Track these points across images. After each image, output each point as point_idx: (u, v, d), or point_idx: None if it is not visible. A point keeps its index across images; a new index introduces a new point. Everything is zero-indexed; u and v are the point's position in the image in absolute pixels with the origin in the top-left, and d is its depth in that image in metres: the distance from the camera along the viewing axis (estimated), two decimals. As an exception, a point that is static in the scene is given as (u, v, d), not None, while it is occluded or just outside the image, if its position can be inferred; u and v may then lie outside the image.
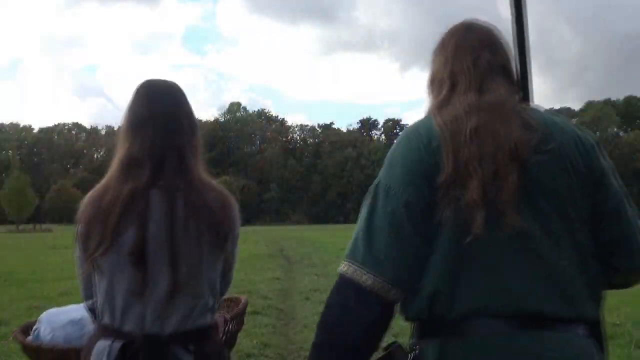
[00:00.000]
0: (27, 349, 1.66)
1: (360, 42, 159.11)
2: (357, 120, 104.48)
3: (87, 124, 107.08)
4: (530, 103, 1.28)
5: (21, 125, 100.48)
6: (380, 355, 1.17)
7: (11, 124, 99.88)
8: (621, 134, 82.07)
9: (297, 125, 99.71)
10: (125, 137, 1.50)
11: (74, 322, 1.70)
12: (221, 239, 1.47)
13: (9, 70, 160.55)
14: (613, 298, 6.86)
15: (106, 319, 1.45)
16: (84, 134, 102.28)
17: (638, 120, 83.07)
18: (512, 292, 1.08)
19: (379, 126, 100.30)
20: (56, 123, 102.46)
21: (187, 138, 1.48)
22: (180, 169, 1.45)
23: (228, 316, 1.72)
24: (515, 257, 1.09)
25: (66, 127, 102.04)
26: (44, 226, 54.48)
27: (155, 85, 1.54)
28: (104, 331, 1.45)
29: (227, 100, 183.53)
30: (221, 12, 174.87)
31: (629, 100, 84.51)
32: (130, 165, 1.46)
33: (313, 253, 15.86)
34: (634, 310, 5.84)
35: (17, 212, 56.24)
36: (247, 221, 65.25)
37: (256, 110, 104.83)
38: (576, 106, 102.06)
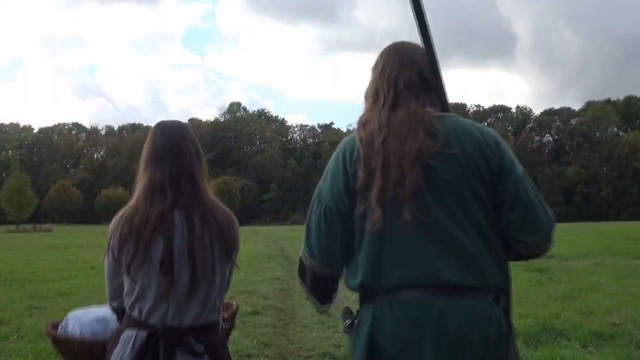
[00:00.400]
0: (58, 342, 1.87)
1: (360, 42, 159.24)
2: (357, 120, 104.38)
3: (87, 124, 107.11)
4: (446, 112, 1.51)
5: (21, 125, 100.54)
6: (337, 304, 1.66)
7: (11, 124, 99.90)
8: (621, 134, 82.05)
9: (297, 125, 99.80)
10: (147, 167, 1.84)
11: (99, 320, 1.91)
12: (229, 249, 1.80)
13: (9, 70, 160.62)
14: (613, 298, 6.88)
15: (135, 314, 1.73)
16: (84, 134, 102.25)
17: (638, 120, 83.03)
18: (429, 267, 1.39)
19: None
20: (56, 123, 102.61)
21: (196, 167, 1.82)
22: (194, 193, 1.78)
23: (225, 315, 2.00)
24: (431, 239, 1.39)
25: (66, 127, 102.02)
26: (44, 226, 54.39)
27: (168, 125, 1.89)
28: (131, 323, 1.73)
29: (227, 100, 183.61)
30: (221, 12, 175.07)
31: (629, 100, 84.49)
32: (154, 191, 1.76)
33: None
34: (634, 310, 5.84)
35: (17, 212, 56.17)
36: (247, 221, 65.32)
37: (256, 110, 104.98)
38: (576, 106, 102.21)
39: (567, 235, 21.16)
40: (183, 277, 1.72)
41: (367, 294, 1.48)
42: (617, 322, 5.31)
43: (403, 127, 1.43)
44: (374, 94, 1.53)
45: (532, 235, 1.47)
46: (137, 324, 1.73)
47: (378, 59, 1.59)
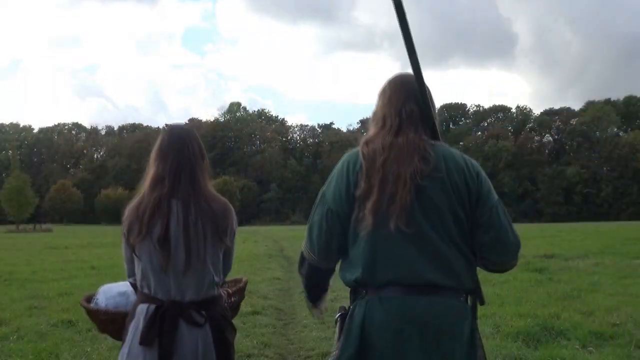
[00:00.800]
0: (90, 312, 2.26)
1: (360, 41, 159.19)
2: (357, 120, 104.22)
3: (87, 124, 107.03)
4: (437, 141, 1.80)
5: (21, 125, 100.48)
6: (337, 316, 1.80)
7: (11, 124, 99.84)
8: (621, 134, 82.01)
9: (297, 125, 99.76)
10: (153, 162, 2.11)
11: (121, 294, 2.26)
12: (221, 233, 2.07)
13: (9, 70, 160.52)
14: (613, 298, 6.88)
15: (145, 290, 2.06)
16: (84, 134, 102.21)
17: (638, 120, 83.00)
18: (414, 269, 1.65)
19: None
20: (56, 123, 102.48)
21: (197, 163, 2.11)
22: (192, 185, 2.07)
23: (230, 290, 2.30)
24: (417, 246, 1.65)
25: (66, 127, 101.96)
26: (44, 226, 54.38)
27: (175, 127, 2.22)
28: (143, 298, 2.06)
29: (227, 100, 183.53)
30: (221, 11, 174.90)
31: (629, 100, 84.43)
32: (156, 181, 2.06)
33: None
34: (634, 310, 5.84)
35: (17, 212, 56.16)
36: (247, 221, 65.29)
37: (256, 110, 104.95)
38: (576, 106, 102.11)
39: (567, 235, 21.17)
40: (179, 255, 2.01)
41: (360, 289, 1.73)
42: (617, 322, 5.31)
43: (402, 153, 1.70)
44: (382, 120, 1.79)
45: (502, 255, 1.76)
46: (148, 298, 2.05)
47: (386, 87, 1.84)
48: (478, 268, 1.79)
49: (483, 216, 1.70)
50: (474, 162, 1.78)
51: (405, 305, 1.65)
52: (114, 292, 2.28)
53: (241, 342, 5.04)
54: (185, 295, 2.03)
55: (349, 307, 1.75)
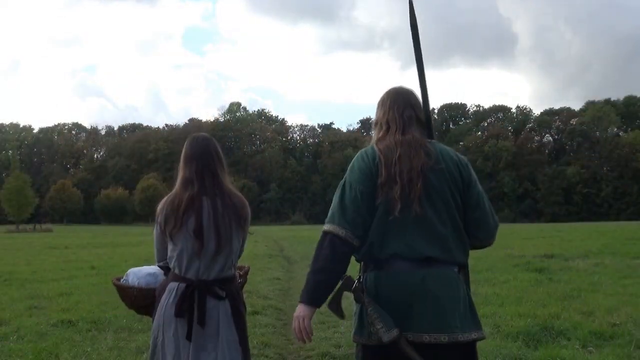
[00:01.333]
0: (122, 289, 2.62)
1: (360, 41, 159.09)
2: (357, 120, 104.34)
3: (87, 124, 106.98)
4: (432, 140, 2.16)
5: (21, 125, 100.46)
6: (339, 284, 2.04)
7: (11, 124, 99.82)
8: (621, 134, 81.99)
9: (297, 125, 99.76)
10: (182, 167, 2.55)
11: (150, 274, 2.64)
12: (242, 223, 2.55)
13: (9, 70, 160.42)
14: (613, 298, 6.87)
15: (176, 270, 2.47)
16: (84, 134, 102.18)
17: (638, 120, 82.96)
18: (415, 245, 1.99)
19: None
20: (56, 123, 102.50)
21: (217, 166, 2.58)
22: (215, 184, 2.53)
23: (241, 273, 2.77)
24: (418, 227, 2.00)
25: (66, 127, 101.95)
26: (44, 226, 54.38)
27: (197, 137, 2.68)
28: (174, 277, 2.48)
29: (226, 100, 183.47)
30: (221, 11, 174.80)
31: (629, 100, 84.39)
32: (186, 183, 2.51)
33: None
34: (634, 310, 5.84)
35: (17, 212, 56.16)
36: (247, 221, 65.03)
37: (256, 110, 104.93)
38: (576, 106, 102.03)
39: (567, 235, 21.15)
40: (211, 242, 2.45)
41: (368, 262, 2.07)
42: (617, 322, 5.31)
43: (411, 148, 2.05)
44: (386, 124, 2.14)
45: (485, 232, 2.17)
46: (178, 278, 2.47)
47: (385, 98, 2.19)
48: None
49: (472, 198, 2.11)
50: (462, 157, 2.19)
51: (409, 276, 1.99)
52: (143, 273, 2.66)
53: (241, 342, 5.05)
54: (211, 274, 2.48)
55: (358, 279, 2.07)
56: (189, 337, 2.42)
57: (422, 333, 1.96)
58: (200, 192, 2.50)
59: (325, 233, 2.02)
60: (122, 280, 2.66)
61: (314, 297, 2.03)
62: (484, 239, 2.19)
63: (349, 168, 2.10)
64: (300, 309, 2.03)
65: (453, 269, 2.07)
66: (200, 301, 2.44)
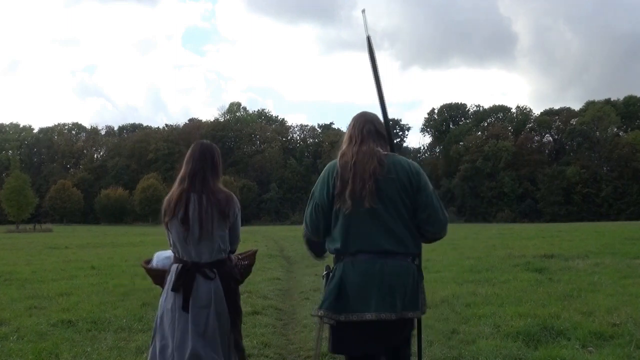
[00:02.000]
0: (148, 270, 3.30)
1: (360, 41, 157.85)
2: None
3: (87, 124, 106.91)
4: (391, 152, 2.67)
5: (21, 125, 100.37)
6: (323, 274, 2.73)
7: (11, 124, 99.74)
8: (621, 134, 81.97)
9: (297, 125, 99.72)
10: (182, 167, 3.12)
11: (167, 258, 3.25)
12: (224, 215, 3.06)
13: (9, 70, 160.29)
14: (613, 298, 6.87)
15: (176, 254, 3.08)
16: (84, 134, 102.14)
17: (638, 120, 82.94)
18: (374, 240, 2.50)
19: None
20: (56, 123, 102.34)
21: (210, 168, 3.11)
22: (204, 183, 3.06)
23: (240, 256, 3.30)
24: (376, 225, 2.50)
25: (66, 127, 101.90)
26: (44, 226, 54.39)
27: (200, 143, 3.24)
28: (175, 260, 3.10)
29: (226, 100, 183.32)
30: (221, 11, 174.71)
31: (629, 100, 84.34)
32: (181, 180, 3.09)
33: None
34: (634, 310, 5.83)
35: (17, 212, 56.19)
36: (247, 221, 65.17)
37: (256, 110, 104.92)
38: (576, 106, 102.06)
39: (567, 235, 21.15)
40: (195, 229, 3.00)
41: (339, 256, 2.59)
42: (617, 322, 5.30)
43: (365, 156, 2.55)
44: (349, 138, 2.68)
45: (435, 227, 2.61)
46: (178, 260, 3.08)
47: (351, 121, 2.75)
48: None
49: (422, 200, 2.56)
50: (415, 164, 2.61)
51: (369, 266, 2.51)
52: (162, 256, 3.32)
53: (241, 342, 5.04)
54: (202, 257, 3.04)
55: (333, 267, 2.65)
56: (185, 308, 2.99)
57: (377, 312, 2.47)
58: (190, 188, 3.06)
59: (304, 232, 2.82)
60: (150, 261, 3.37)
61: (318, 254, 2.90)
62: (435, 232, 2.64)
63: (318, 178, 2.70)
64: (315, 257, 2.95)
65: (407, 259, 2.57)
66: (189, 279, 3.01)
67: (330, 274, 2.64)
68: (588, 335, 4.88)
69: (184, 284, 2.99)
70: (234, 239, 3.18)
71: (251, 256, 3.39)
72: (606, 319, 5.46)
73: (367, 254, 2.52)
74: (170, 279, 3.05)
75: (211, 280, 3.02)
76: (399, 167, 2.55)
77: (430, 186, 2.60)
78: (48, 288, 8.66)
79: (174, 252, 3.12)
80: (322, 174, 2.66)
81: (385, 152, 2.60)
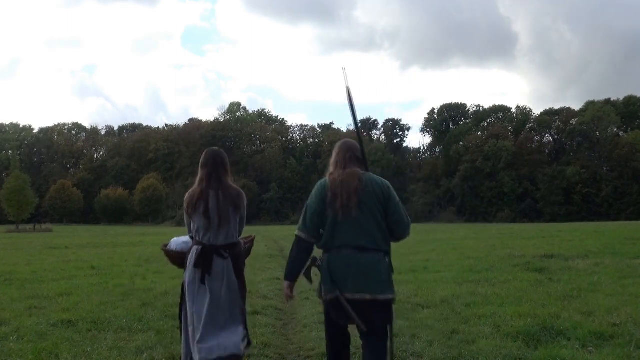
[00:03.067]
0: (167, 253, 4.06)
1: (360, 41, 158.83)
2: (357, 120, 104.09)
3: (87, 123, 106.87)
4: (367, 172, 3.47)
5: (21, 125, 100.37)
6: (308, 264, 3.44)
7: (11, 124, 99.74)
8: (621, 134, 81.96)
9: (297, 125, 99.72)
10: (200, 170, 3.84)
11: (185, 242, 4.00)
12: (237, 207, 3.82)
13: (8, 70, 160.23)
14: (613, 298, 6.86)
15: (197, 238, 3.80)
16: (84, 134, 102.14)
17: (638, 120, 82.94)
18: (354, 239, 3.27)
19: (379, 126, 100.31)
20: (56, 123, 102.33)
21: (222, 169, 3.86)
22: (219, 182, 3.80)
23: (245, 240, 4.11)
24: (354, 227, 3.27)
25: (66, 127, 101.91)
26: (44, 226, 54.39)
27: (210, 150, 3.97)
28: (195, 243, 3.81)
29: (226, 100, 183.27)
30: (220, 11, 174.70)
31: (629, 100, 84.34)
32: (200, 181, 3.80)
33: (313, 253, 15.80)
34: (634, 310, 5.83)
35: (17, 212, 56.16)
36: (247, 221, 64.89)
37: (256, 110, 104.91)
38: (576, 106, 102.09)
39: (567, 235, 21.14)
40: (215, 220, 3.77)
41: (327, 248, 3.36)
42: (617, 322, 5.30)
43: (349, 177, 3.35)
44: (335, 163, 3.48)
45: (400, 227, 3.38)
46: (198, 243, 3.81)
47: (337, 147, 3.56)
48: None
49: (390, 207, 3.36)
50: (385, 181, 3.43)
51: (349, 258, 3.28)
52: (179, 241, 4.06)
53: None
54: (218, 241, 3.80)
55: (320, 258, 3.41)
56: (202, 281, 3.76)
57: (355, 293, 3.24)
58: (208, 187, 3.81)
59: (296, 236, 3.45)
60: (167, 245, 4.12)
61: (289, 274, 3.48)
62: (402, 232, 3.43)
63: (311, 194, 3.46)
64: (285, 283, 3.50)
65: (379, 254, 3.32)
66: (208, 258, 3.77)
67: (320, 264, 3.40)
68: (588, 335, 4.88)
69: (204, 262, 3.76)
70: (241, 227, 3.97)
71: (252, 240, 4.30)
72: (606, 319, 5.46)
73: (348, 248, 3.30)
74: (191, 258, 3.80)
75: (224, 259, 3.79)
76: (374, 183, 3.39)
77: (397, 197, 3.41)
78: (48, 288, 8.66)
79: (195, 237, 3.85)
80: (315, 190, 3.44)
81: (363, 172, 3.43)
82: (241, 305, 3.84)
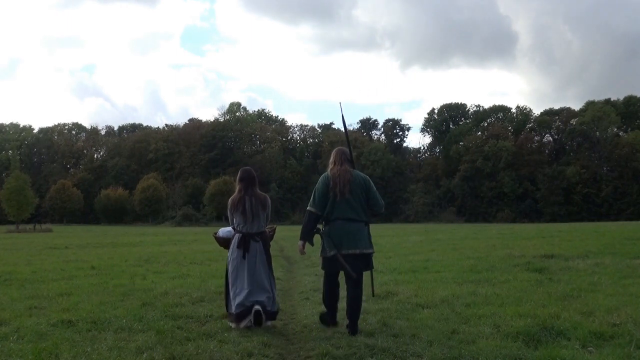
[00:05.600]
0: (217, 238, 6.15)
1: (360, 40, 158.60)
2: (357, 120, 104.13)
3: (86, 123, 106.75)
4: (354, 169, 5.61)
5: (21, 125, 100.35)
6: (315, 230, 5.59)
7: (11, 124, 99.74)
8: (621, 134, 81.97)
9: (297, 125, 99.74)
10: (237, 183, 5.94)
11: (229, 231, 6.03)
12: (264, 207, 5.91)
13: (8, 70, 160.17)
14: (613, 298, 6.86)
15: (238, 229, 5.87)
16: (84, 134, 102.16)
17: (638, 120, 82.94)
18: (345, 212, 5.38)
19: (379, 126, 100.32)
20: (56, 123, 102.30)
21: (253, 182, 5.91)
22: (252, 191, 5.87)
23: (270, 230, 6.16)
24: (347, 204, 5.39)
25: (66, 127, 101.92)
26: (44, 226, 54.38)
27: (245, 168, 6.07)
28: (236, 232, 5.90)
29: (226, 100, 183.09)
30: (220, 11, 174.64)
31: (629, 100, 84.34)
32: (239, 191, 5.87)
33: (313, 253, 15.82)
34: (634, 310, 5.83)
35: (17, 212, 56.18)
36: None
37: (256, 110, 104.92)
38: (576, 106, 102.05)
39: (567, 235, 21.13)
40: (249, 217, 5.77)
41: (328, 220, 5.41)
42: (617, 322, 5.30)
43: (343, 172, 5.41)
44: (334, 162, 5.54)
45: (377, 206, 5.49)
46: (238, 232, 5.81)
47: (334, 152, 5.65)
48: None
49: (370, 194, 5.42)
50: (367, 176, 5.51)
51: (343, 225, 5.31)
52: (225, 231, 6.04)
53: (241, 342, 5.05)
54: (252, 230, 5.75)
55: (322, 228, 5.44)
56: (244, 257, 5.70)
57: (348, 249, 5.25)
58: (245, 194, 5.80)
59: (307, 210, 5.48)
60: (216, 233, 6.18)
61: (302, 235, 5.48)
62: (377, 209, 5.48)
63: (318, 182, 5.42)
64: (299, 243, 5.53)
65: (362, 223, 5.36)
66: (247, 242, 5.74)
67: (323, 231, 5.43)
68: (588, 335, 4.88)
69: (244, 244, 5.74)
70: (267, 220, 5.95)
71: (274, 230, 6.33)
72: (606, 319, 5.46)
73: (341, 220, 5.35)
74: (234, 242, 5.81)
75: (257, 242, 5.79)
76: (359, 177, 5.48)
77: (374, 187, 5.53)
78: (48, 288, 8.66)
79: (236, 228, 5.85)
80: (321, 179, 5.48)
81: (352, 169, 5.49)
82: (269, 273, 5.81)
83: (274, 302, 5.71)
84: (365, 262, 5.33)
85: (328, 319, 5.64)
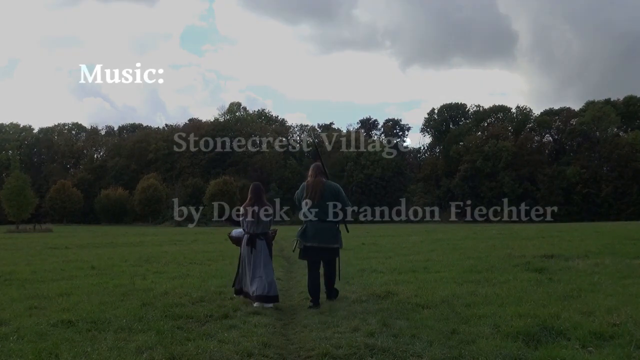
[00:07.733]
0: (231, 238, 7.93)
1: (360, 40, 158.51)
2: (357, 120, 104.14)
3: (86, 123, 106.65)
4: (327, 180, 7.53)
5: (21, 125, 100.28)
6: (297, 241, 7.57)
7: (11, 124, 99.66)
8: (621, 134, 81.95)
9: (297, 125, 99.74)
10: (249, 195, 7.66)
11: (240, 232, 7.72)
12: (267, 215, 7.53)
13: (8, 70, 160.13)
14: (613, 298, 6.86)
15: (245, 230, 7.60)
16: (84, 134, 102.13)
17: (638, 120, 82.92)
18: (318, 215, 7.23)
19: (379, 126, 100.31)
20: (56, 123, 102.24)
21: (260, 194, 7.68)
22: (260, 201, 7.58)
23: (272, 231, 7.83)
24: (319, 208, 7.22)
25: (66, 127, 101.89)
26: (44, 226, 54.33)
27: (255, 183, 7.95)
28: (245, 232, 7.61)
29: (226, 99, 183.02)
30: (219, 11, 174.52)
31: (629, 100, 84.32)
32: (249, 201, 7.59)
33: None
34: (634, 310, 5.83)
35: (17, 212, 56.13)
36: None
37: (256, 110, 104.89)
38: (576, 106, 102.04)
39: (567, 235, 21.13)
40: (256, 220, 7.44)
41: (305, 221, 7.29)
42: (617, 322, 5.30)
43: (316, 182, 7.29)
44: (310, 175, 7.42)
45: (347, 208, 7.34)
46: (247, 233, 7.53)
47: (311, 167, 7.57)
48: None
49: (340, 199, 7.24)
50: (337, 185, 7.40)
51: (317, 225, 7.19)
52: (237, 231, 7.78)
53: (241, 342, 5.05)
54: (258, 231, 7.45)
55: (302, 226, 7.31)
56: (251, 252, 7.33)
57: (319, 243, 7.17)
58: (253, 203, 7.43)
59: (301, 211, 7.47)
60: (230, 234, 7.84)
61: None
62: (347, 209, 7.29)
63: (297, 190, 7.47)
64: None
65: (334, 223, 7.21)
66: (253, 240, 7.38)
67: (301, 229, 7.20)
68: (588, 335, 4.88)
69: (251, 242, 7.34)
70: (270, 223, 7.51)
71: (275, 231, 7.82)
72: (606, 319, 5.46)
73: (317, 221, 7.12)
74: (245, 240, 7.41)
75: (262, 240, 7.37)
76: (331, 186, 7.22)
77: (343, 192, 7.26)
78: (48, 288, 8.66)
79: (245, 229, 7.46)
80: (300, 188, 7.38)
81: (325, 180, 7.23)
82: (269, 265, 7.31)
83: (274, 288, 7.23)
84: (332, 253, 7.24)
85: (312, 305, 7.04)
